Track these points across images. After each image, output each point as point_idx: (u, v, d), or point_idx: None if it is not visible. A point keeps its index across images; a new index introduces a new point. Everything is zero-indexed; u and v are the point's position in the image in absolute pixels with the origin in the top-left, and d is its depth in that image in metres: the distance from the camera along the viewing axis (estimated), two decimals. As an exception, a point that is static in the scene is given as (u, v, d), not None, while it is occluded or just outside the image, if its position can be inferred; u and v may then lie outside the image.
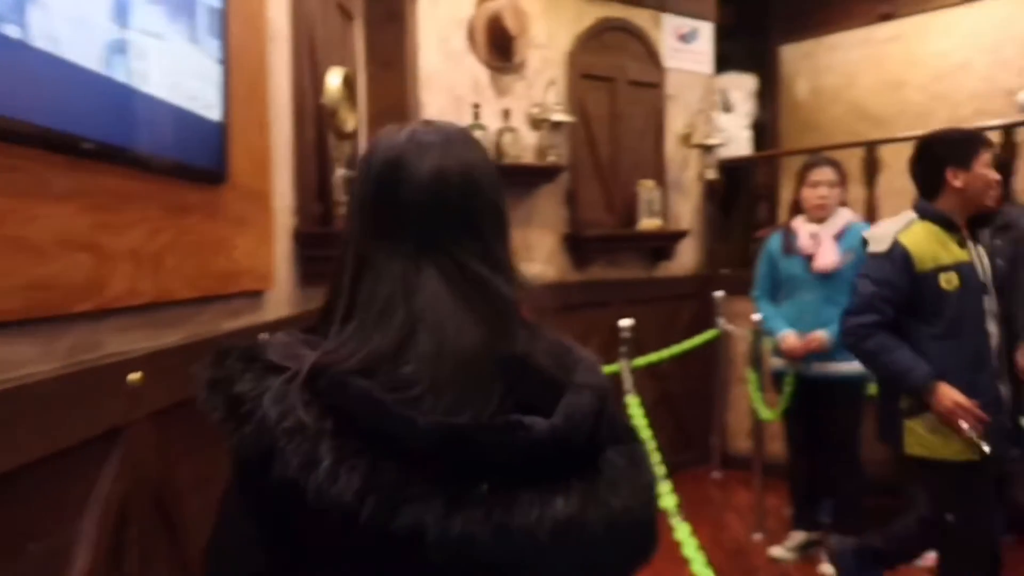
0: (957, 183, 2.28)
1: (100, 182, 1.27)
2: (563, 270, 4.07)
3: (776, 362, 3.22)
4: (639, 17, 4.38)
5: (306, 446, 0.66)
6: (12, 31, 1.00)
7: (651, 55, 4.42)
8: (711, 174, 4.51)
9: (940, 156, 2.31)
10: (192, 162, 1.58)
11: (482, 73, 3.82)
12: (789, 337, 3.07)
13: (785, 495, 3.47)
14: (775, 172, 4.79)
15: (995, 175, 2.32)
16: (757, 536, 3.41)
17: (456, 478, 0.67)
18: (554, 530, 0.67)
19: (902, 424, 2.29)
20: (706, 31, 4.72)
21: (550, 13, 4.04)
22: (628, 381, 2.85)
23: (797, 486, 3.28)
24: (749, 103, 5.33)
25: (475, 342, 0.73)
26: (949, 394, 2.18)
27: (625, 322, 3.01)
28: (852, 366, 3.02)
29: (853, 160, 3.81)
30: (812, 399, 3.10)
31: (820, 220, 3.11)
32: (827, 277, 3.04)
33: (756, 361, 3.40)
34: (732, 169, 4.77)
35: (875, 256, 2.34)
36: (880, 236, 2.34)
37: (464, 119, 3.65)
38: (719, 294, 4.26)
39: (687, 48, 4.64)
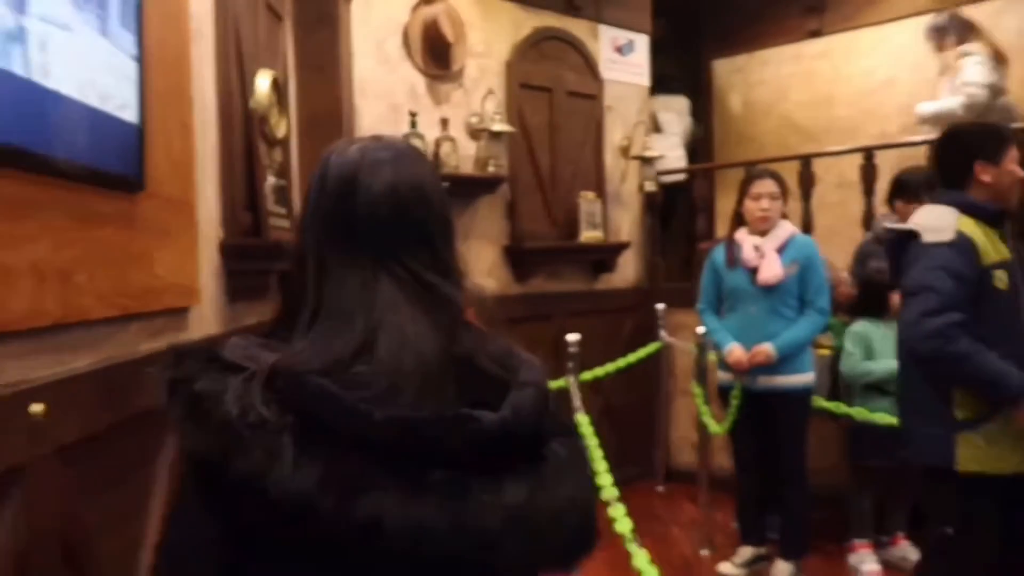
0: (986, 177, 2.14)
1: (-6, 187, 1.11)
2: (504, 283, 3.98)
3: (722, 376, 3.19)
4: (576, 28, 4.35)
5: (268, 440, 0.68)
6: None
7: (589, 66, 4.39)
8: (650, 186, 4.49)
9: (969, 149, 2.17)
10: (105, 167, 1.41)
11: (419, 81, 3.70)
12: (735, 350, 3.04)
13: (731, 509, 3.44)
14: (711, 185, 4.81)
15: (1021, 172, 2.19)
16: (705, 552, 3.37)
17: (412, 469, 0.69)
18: (504, 516, 0.70)
19: (952, 438, 2.05)
20: (642, 43, 4.72)
21: (487, 21, 3.96)
22: (577, 398, 2.76)
23: (744, 501, 3.25)
24: (681, 123, 5.36)
25: (432, 345, 0.77)
26: None
27: (572, 337, 2.93)
28: (798, 378, 3.03)
29: (787, 174, 3.84)
30: (759, 413, 3.08)
31: (763, 232, 3.10)
32: (771, 289, 3.03)
33: (701, 375, 3.36)
34: (668, 183, 4.77)
35: (938, 246, 2.06)
36: (936, 225, 2.10)
37: (401, 127, 3.53)
38: (661, 307, 4.24)
39: (624, 60, 4.63)
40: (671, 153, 4.95)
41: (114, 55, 1.44)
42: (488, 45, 3.96)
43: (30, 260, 1.19)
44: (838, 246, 3.84)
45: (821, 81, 5.02)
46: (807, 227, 3.95)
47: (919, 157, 3.89)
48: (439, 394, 0.75)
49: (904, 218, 3.37)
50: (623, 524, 1.96)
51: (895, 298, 3.05)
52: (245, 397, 0.70)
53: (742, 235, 3.16)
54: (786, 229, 3.11)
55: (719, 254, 3.22)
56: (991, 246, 2.09)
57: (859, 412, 3.01)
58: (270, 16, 2.76)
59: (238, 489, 0.68)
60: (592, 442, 2.42)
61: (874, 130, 4.77)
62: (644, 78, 4.74)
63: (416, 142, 3.52)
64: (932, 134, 3.97)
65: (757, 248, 3.07)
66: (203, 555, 0.74)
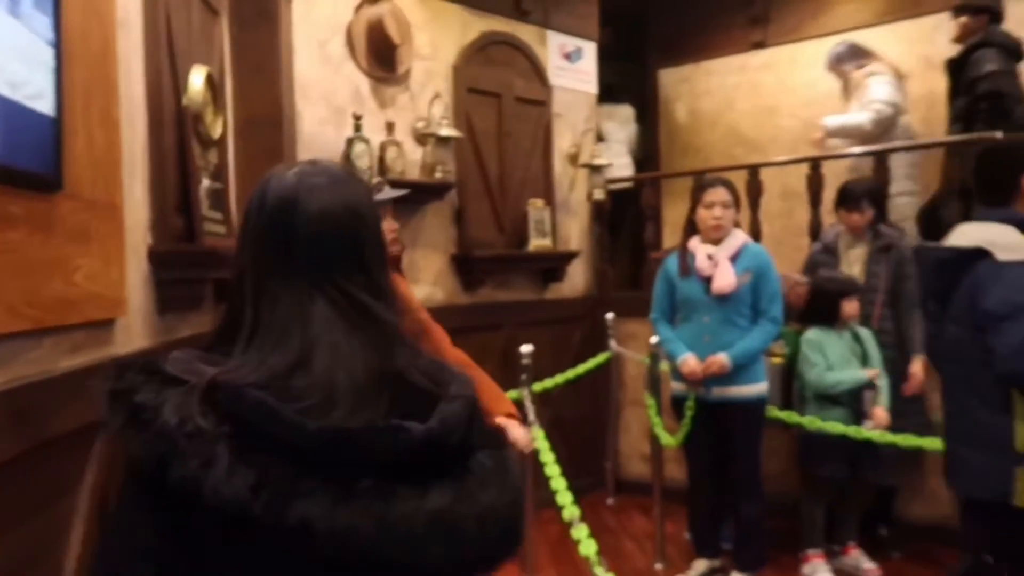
0: None
1: None
2: (452, 292, 3.86)
3: (676, 386, 3.14)
4: (524, 33, 4.28)
5: (204, 448, 0.71)
6: None
7: (537, 72, 4.32)
8: (599, 194, 4.44)
9: (1015, 164, 2.12)
10: (14, 163, 1.25)
11: (363, 82, 3.56)
12: (689, 360, 3.00)
13: (683, 521, 3.40)
14: (659, 194, 4.79)
15: None
16: (659, 566, 3.30)
17: (342, 476, 0.73)
18: (428, 520, 0.73)
19: (1012, 471, 1.96)
20: (590, 51, 4.69)
21: (434, 23, 3.85)
22: (532, 411, 2.66)
23: (698, 513, 3.21)
24: (625, 131, 5.35)
25: (364, 361, 0.81)
26: None
27: (525, 348, 2.84)
28: (752, 388, 3.00)
29: (734, 183, 3.84)
30: (712, 423, 3.04)
31: (716, 241, 3.06)
32: (725, 299, 2.99)
33: (654, 385, 3.30)
34: (616, 191, 4.74)
35: (1022, 264, 1.95)
36: (1006, 243, 2.00)
37: (344, 130, 3.39)
38: (610, 316, 4.18)
39: (572, 67, 4.59)
40: (617, 161, 4.92)
41: (26, 38, 1.28)
42: (435, 48, 3.85)
43: (-79, 267, 1.04)
44: (783, 256, 3.85)
45: (766, 92, 5.06)
46: (755, 237, 3.95)
47: (864, 168, 3.95)
48: (372, 407, 0.79)
49: (847, 226, 3.41)
50: (587, 546, 1.87)
51: (847, 306, 3.06)
52: (183, 408, 0.73)
53: (695, 244, 3.12)
54: (739, 238, 3.09)
55: (672, 263, 3.17)
56: None
57: (812, 422, 2.99)
58: (205, 10, 2.59)
59: (176, 495, 0.71)
60: (549, 457, 2.32)
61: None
62: (592, 86, 4.70)
63: (361, 146, 3.39)
64: (846, 146, 4.13)
65: (711, 257, 3.04)
66: (139, 562, 0.75)
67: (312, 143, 3.29)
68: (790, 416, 3.09)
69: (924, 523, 3.48)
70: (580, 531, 1.93)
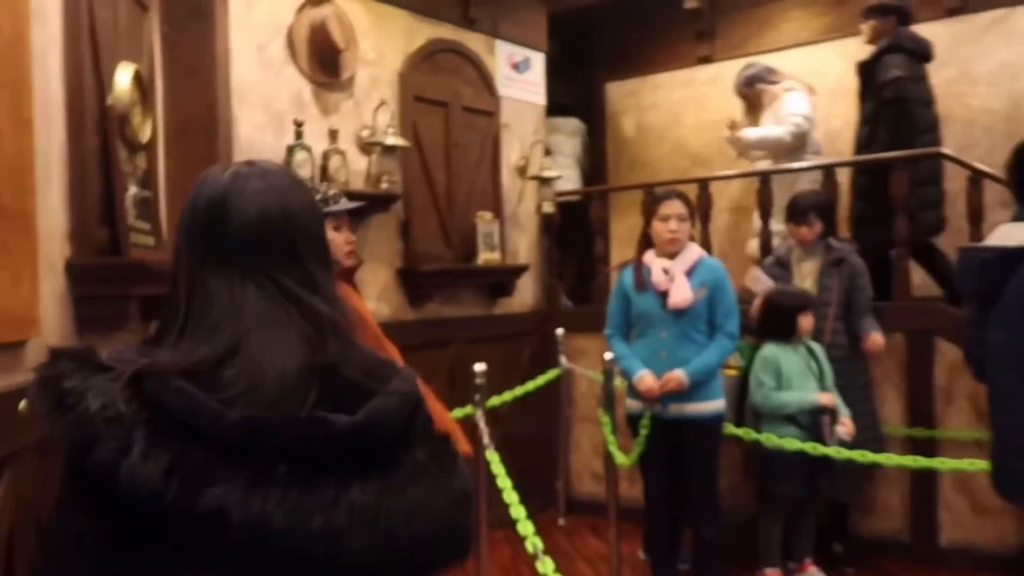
0: None
1: None
2: (398, 308, 3.71)
3: (631, 404, 3.05)
4: (472, 41, 4.18)
5: (121, 433, 0.72)
6: None
7: (485, 81, 4.23)
8: (548, 207, 4.36)
9: None
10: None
11: (305, 88, 3.40)
12: (646, 378, 2.92)
13: (638, 541, 3.31)
14: (606, 207, 4.73)
15: None
16: (615, 590, 3.20)
17: (257, 465, 0.73)
18: (349, 513, 0.73)
19: None
20: (538, 62, 4.62)
21: (379, 29, 3.71)
22: (486, 434, 2.54)
23: (655, 533, 3.12)
24: (571, 144, 5.31)
25: (294, 353, 0.81)
26: None
27: (479, 367, 2.71)
28: (709, 406, 2.94)
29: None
30: (669, 441, 2.96)
31: (671, 255, 3.00)
32: (682, 314, 2.92)
33: (609, 403, 3.21)
34: (563, 204, 4.67)
35: None
36: None
37: (285, 137, 3.22)
38: (560, 331, 4.09)
39: (520, 78, 4.51)
40: (564, 174, 4.86)
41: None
42: (380, 54, 3.71)
43: None
44: (730, 269, 3.83)
45: (712, 106, 5.06)
46: (705, 250, 3.91)
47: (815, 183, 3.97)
48: (298, 398, 0.79)
49: (797, 239, 3.40)
50: (545, 565, 1.75)
51: (803, 321, 3.04)
52: (107, 394, 0.74)
53: (650, 257, 3.05)
54: (694, 252, 3.03)
55: (627, 277, 3.09)
56: None
57: (769, 439, 2.94)
58: (132, 5, 2.41)
59: (96, 480, 0.72)
60: (507, 484, 2.20)
61: (764, 156, 4.84)
62: (540, 97, 4.63)
63: (302, 154, 3.22)
64: (765, 161, 4.18)
65: (666, 271, 2.97)
66: (73, 548, 0.76)
67: (250, 150, 3.11)
68: (747, 433, 3.04)
69: (877, 538, 3.48)
70: (546, 566, 1.81)
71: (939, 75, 4.48)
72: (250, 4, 3.17)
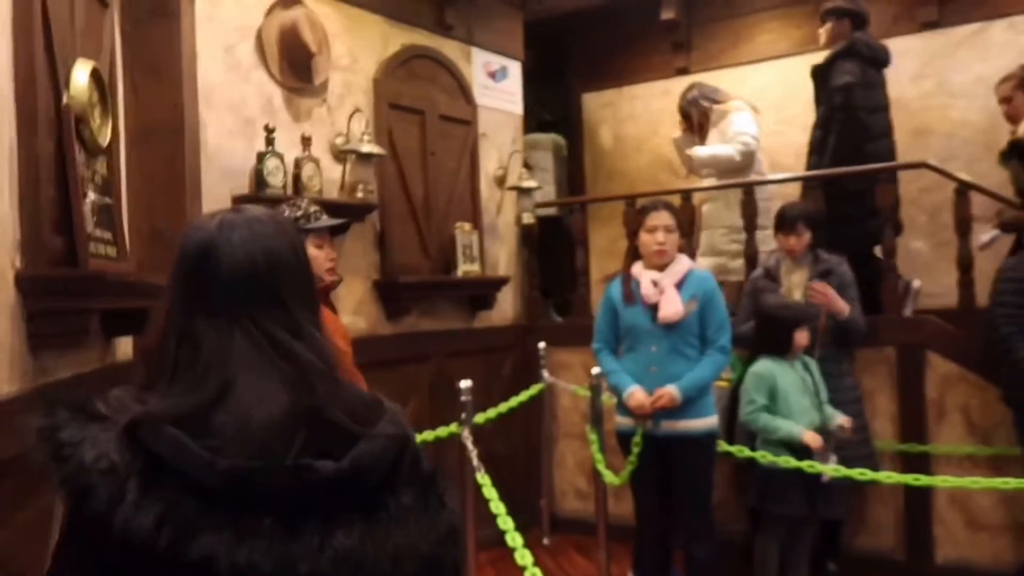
0: None
1: None
2: (375, 321, 3.55)
3: (621, 421, 2.93)
4: (448, 48, 4.06)
5: (115, 483, 0.75)
6: None
7: (462, 89, 4.11)
8: (528, 218, 4.24)
9: None
10: None
11: (275, 92, 3.24)
12: (637, 393, 2.80)
13: (626, 559, 3.18)
14: (585, 219, 4.63)
15: None
16: (604, 614, 3.07)
17: (246, 513, 0.76)
18: (335, 559, 0.76)
19: None
20: (515, 70, 4.53)
21: (352, 33, 3.57)
22: (475, 455, 2.39)
23: (646, 554, 2.99)
24: (547, 159, 5.22)
25: (280, 398, 0.83)
26: None
27: (464, 384, 2.57)
28: (702, 423, 2.84)
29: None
30: (660, 460, 2.84)
31: (660, 267, 2.89)
32: (673, 327, 2.82)
33: (597, 419, 3.09)
34: (541, 218, 4.56)
35: None
36: None
37: (255, 144, 3.07)
38: (542, 345, 3.97)
39: (497, 86, 4.40)
40: (545, 189, 4.77)
41: None
42: (353, 59, 3.57)
43: None
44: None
45: (690, 117, 5.00)
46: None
47: (789, 195, 3.92)
48: (285, 443, 0.79)
49: (785, 249, 3.33)
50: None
51: (799, 336, 2.95)
52: (100, 445, 0.77)
53: (639, 269, 2.94)
54: (684, 263, 2.93)
55: (615, 290, 2.98)
56: None
57: (764, 456, 2.84)
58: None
59: (91, 529, 0.75)
60: (501, 509, 2.06)
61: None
62: (517, 106, 4.53)
63: (273, 161, 3.07)
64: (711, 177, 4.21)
65: (656, 283, 2.86)
66: None
67: (218, 156, 2.94)
68: (741, 451, 2.94)
69: (871, 555, 3.40)
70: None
71: (917, 87, 4.52)
72: (216, 3, 3.02)
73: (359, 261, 3.48)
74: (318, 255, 2.15)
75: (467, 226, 3.90)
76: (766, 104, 4.82)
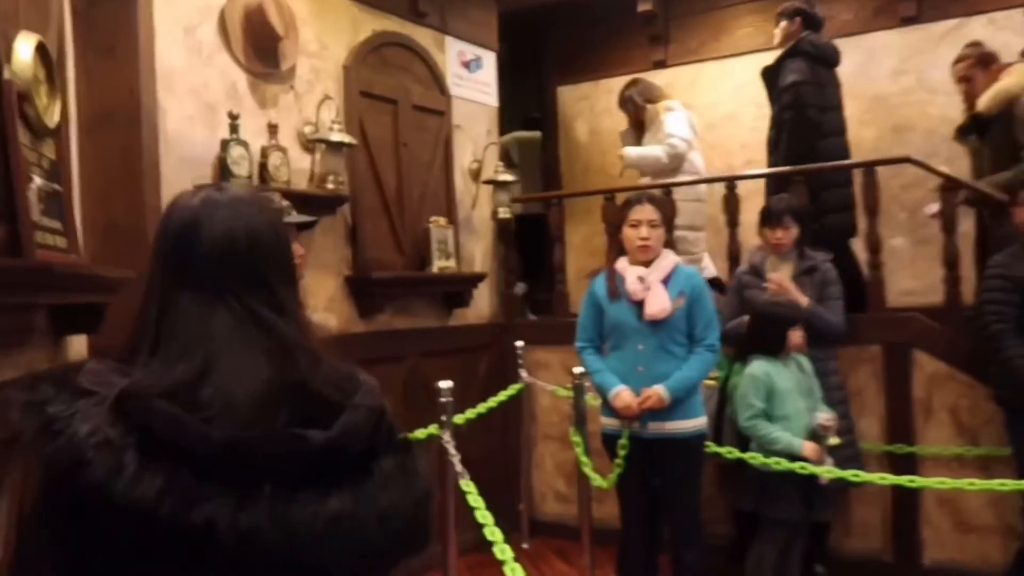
0: None
1: None
2: (346, 319, 3.39)
3: (607, 422, 2.81)
4: (421, 36, 3.91)
5: (112, 456, 0.76)
6: None
7: (436, 79, 3.96)
8: (504, 213, 4.11)
9: None
10: None
11: (240, 77, 3.06)
12: (623, 394, 2.68)
13: (610, 565, 3.07)
14: (562, 215, 4.52)
15: None
16: (588, 622, 2.95)
17: (244, 481, 0.78)
18: (328, 521, 0.80)
19: None
20: (490, 61, 4.39)
21: (321, 17, 3.40)
22: (457, 459, 2.25)
23: (632, 559, 2.87)
24: (523, 154, 5.12)
25: (263, 372, 0.86)
26: None
27: (444, 384, 2.43)
28: (690, 424, 2.73)
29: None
30: (647, 462, 2.73)
31: (645, 263, 2.78)
32: (659, 325, 2.71)
33: (580, 421, 2.96)
34: (516, 215, 4.44)
35: None
36: None
37: (219, 131, 2.89)
38: (520, 344, 3.84)
39: (471, 77, 4.27)
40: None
41: None
42: (322, 44, 3.41)
43: None
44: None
45: (667, 112, 4.91)
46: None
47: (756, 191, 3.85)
48: (271, 414, 0.83)
49: (772, 244, 3.25)
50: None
51: (793, 335, 2.86)
52: (93, 419, 0.78)
53: (623, 265, 2.83)
54: (670, 259, 2.82)
55: (600, 286, 2.87)
56: None
57: (754, 457, 2.74)
58: (38, -32, 2.05)
59: (85, 499, 0.76)
60: (488, 520, 1.93)
61: (720, 164, 4.72)
62: (492, 97, 4.40)
63: (238, 150, 2.90)
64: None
65: (642, 279, 2.75)
66: (49, 569, 0.79)
67: (179, 143, 2.76)
68: (731, 452, 2.84)
69: (859, 558, 3.34)
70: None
71: (898, 83, 4.49)
72: (176, -19, 2.83)
73: (330, 256, 3.32)
74: None
75: (442, 220, 3.76)
76: (746, 100, 4.76)
